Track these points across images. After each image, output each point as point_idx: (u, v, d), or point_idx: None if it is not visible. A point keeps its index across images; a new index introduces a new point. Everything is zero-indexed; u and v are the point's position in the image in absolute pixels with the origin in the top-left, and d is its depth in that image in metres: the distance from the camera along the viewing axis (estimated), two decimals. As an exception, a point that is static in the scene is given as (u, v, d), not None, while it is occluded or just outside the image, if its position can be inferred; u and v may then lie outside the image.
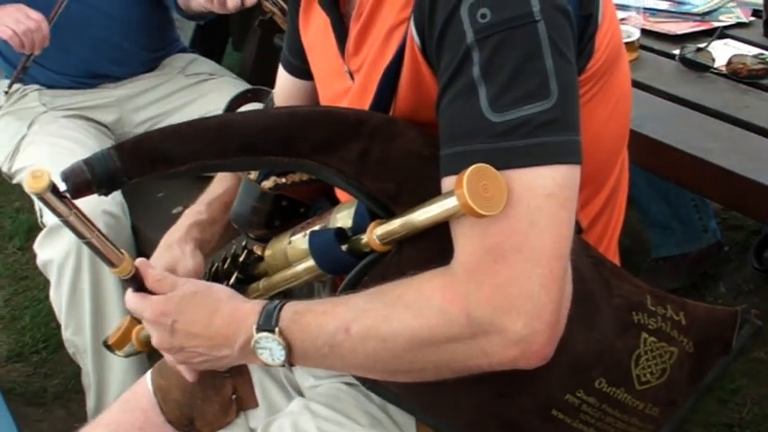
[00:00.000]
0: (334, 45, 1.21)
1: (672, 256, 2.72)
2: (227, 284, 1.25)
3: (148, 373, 1.46)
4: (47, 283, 2.27)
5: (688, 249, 2.70)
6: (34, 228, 3.18)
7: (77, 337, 2.23)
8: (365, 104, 1.13)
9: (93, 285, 2.17)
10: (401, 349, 1.02)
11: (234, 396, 1.41)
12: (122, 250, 1.11)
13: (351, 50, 1.17)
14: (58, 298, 2.21)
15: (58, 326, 2.32)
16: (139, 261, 1.17)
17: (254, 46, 2.84)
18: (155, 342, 1.16)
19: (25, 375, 2.64)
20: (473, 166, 0.95)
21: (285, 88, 1.45)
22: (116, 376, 2.24)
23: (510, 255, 0.96)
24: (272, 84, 1.50)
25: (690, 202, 2.67)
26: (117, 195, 2.20)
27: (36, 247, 2.23)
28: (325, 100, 1.28)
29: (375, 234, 1.07)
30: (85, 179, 1.03)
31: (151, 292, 1.15)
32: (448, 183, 0.99)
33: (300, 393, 1.37)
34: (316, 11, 1.25)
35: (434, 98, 1.03)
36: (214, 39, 3.05)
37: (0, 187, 3.50)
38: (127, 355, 1.42)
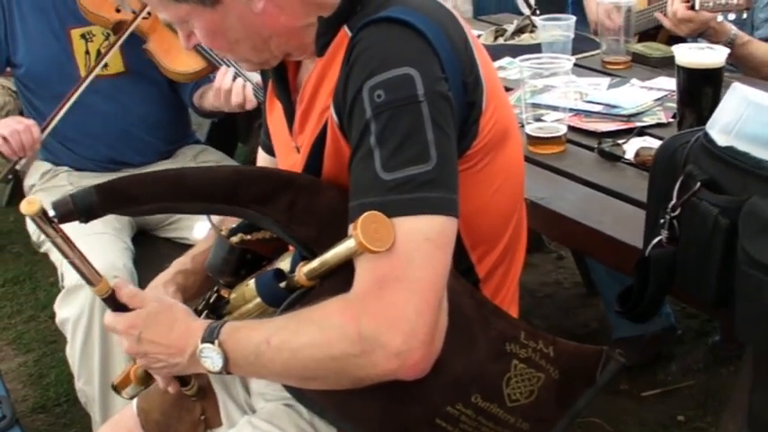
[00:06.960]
0: (286, 126, 1.40)
1: (629, 336, 2.80)
2: None
3: (135, 400, 1.61)
4: (73, 345, 2.36)
5: (643, 331, 2.80)
6: (66, 301, 3.37)
7: (88, 387, 2.33)
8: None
9: (102, 342, 2.27)
10: (308, 359, 1.17)
11: (202, 417, 1.56)
12: (101, 273, 1.29)
13: (297, 130, 1.36)
14: (73, 352, 2.31)
15: (80, 382, 2.42)
16: (116, 282, 1.34)
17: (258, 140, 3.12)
18: (125, 348, 1.32)
19: (47, 425, 2.76)
20: (366, 213, 1.13)
21: (262, 164, 1.63)
22: (121, 424, 2.37)
23: (392, 284, 1.13)
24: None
25: (645, 290, 2.80)
26: (128, 263, 2.34)
27: (55, 306, 2.34)
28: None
29: (302, 272, 1.25)
30: (69, 209, 1.20)
31: (126, 308, 1.32)
32: (351, 228, 1.17)
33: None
34: (276, 100, 1.44)
35: None
36: (226, 134, 3.29)
37: (38, 264, 3.68)
38: (130, 397, 1.58)
